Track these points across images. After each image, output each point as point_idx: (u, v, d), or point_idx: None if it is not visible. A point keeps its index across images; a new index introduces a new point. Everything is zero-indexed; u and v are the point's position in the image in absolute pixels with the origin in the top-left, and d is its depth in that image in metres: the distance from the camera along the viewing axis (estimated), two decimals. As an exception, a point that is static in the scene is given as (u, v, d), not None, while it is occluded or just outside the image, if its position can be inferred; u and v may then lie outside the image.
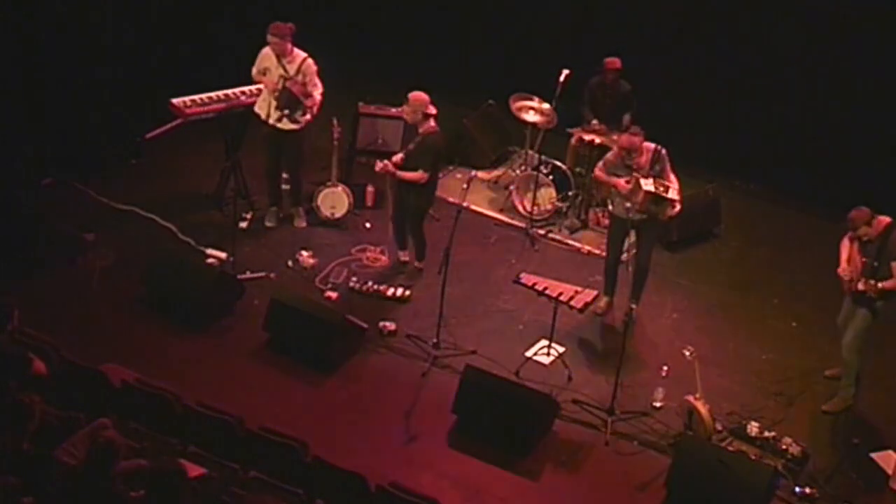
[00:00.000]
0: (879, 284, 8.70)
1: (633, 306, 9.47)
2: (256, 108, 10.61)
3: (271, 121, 10.43)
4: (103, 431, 6.75)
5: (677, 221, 10.88)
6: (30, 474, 6.52)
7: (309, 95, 10.36)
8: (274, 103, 10.37)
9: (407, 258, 10.54)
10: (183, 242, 10.54)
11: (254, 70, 10.55)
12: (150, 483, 6.38)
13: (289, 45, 10.31)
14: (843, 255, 8.98)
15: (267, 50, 10.38)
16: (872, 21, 11.41)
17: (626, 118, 11.26)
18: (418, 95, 9.88)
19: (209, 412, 7.67)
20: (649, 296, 10.15)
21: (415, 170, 9.86)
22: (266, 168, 10.86)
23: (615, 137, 11.14)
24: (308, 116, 10.45)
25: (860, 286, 8.79)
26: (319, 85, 10.43)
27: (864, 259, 8.82)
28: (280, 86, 10.32)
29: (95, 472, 6.43)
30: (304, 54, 10.38)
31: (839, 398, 9.27)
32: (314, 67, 10.40)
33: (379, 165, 10.00)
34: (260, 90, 10.61)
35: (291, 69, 10.34)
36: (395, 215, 10.44)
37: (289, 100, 10.35)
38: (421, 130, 9.90)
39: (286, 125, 10.45)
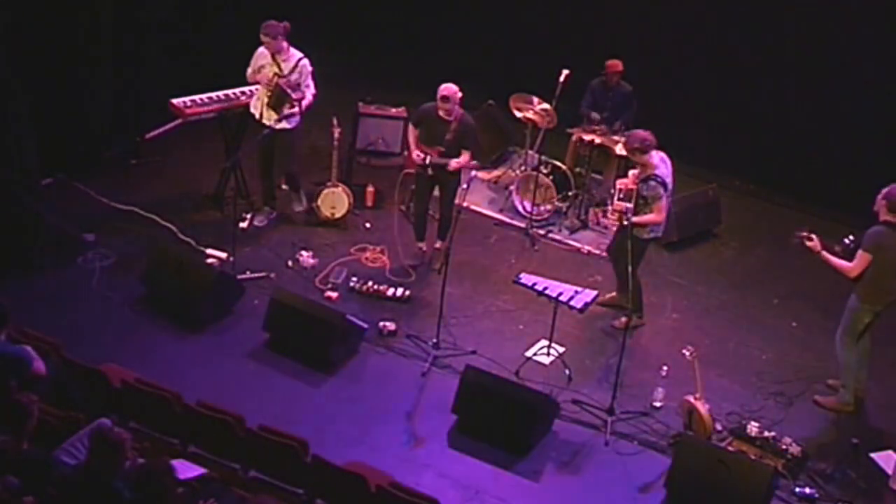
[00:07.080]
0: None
1: (635, 315, 9.44)
2: (251, 109, 10.57)
3: (265, 121, 10.38)
4: (111, 430, 6.72)
5: (677, 221, 10.89)
6: (30, 474, 6.51)
7: (296, 88, 10.29)
8: (266, 100, 10.34)
9: (425, 247, 10.64)
10: (183, 242, 10.53)
11: (248, 70, 10.50)
12: (137, 482, 6.35)
13: (283, 44, 10.26)
14: None
15: (263, 49, 10.34)
16: (873, 20, 11.40)
17: (618, 124, 11.24)
18: (451, 88, 10.07)
19: (209, 412, 7.67)
20: (649, 296, 10.12)
21: (458, 155, 10.12)
22: (258, 168, 10.84)
23: (615, 138, 11.16)
24: (295, 110, 10.35)
25: None
26: (312, 86, 10.40)
27: None
28: (273, 83, 10.29)
29: (101, 471, 6.41)
30: (300, 54, 10.34)
31: (836, 399, 9.23)
32: (309, 68, 10.37)
33: (419, 159, 10.11)
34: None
35: (286, 68, 10.29)
36: (417, 207, 10.54)
37: (279, 96, 10.30)
38: (452, 118, 10.11)
39: (279, 125, 10.40)
